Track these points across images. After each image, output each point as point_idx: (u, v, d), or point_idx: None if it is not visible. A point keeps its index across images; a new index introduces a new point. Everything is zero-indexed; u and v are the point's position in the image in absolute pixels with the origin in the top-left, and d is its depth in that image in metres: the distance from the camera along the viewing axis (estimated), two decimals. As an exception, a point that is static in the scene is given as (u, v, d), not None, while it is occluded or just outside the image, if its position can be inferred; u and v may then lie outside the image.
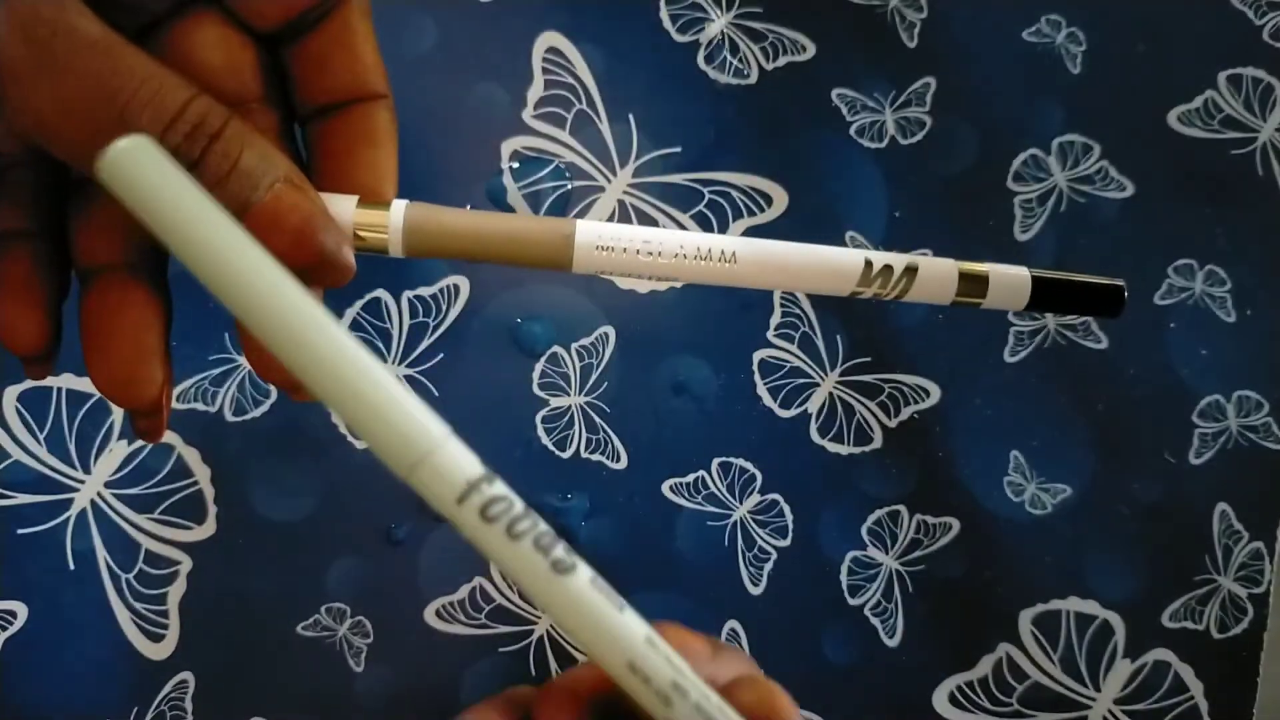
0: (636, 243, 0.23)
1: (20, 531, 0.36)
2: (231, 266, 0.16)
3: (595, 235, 0.22)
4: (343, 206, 0.22)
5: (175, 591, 0.37)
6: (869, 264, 0.23)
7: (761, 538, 0.38)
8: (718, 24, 0.39)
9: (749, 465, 0.38)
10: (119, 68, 0.19)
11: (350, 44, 0.23)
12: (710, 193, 0.38)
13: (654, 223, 0.38)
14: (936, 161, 0.38)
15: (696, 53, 0.38)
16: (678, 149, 0.38)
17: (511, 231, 0.23)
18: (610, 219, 0.38)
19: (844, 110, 0.39)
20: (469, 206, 0.38)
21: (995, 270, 0.24)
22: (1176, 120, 0.38)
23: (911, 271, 0.23)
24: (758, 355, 0.38)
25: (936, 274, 0.23)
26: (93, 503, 0.37)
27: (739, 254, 0.23)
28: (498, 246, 0.23)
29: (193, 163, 0.19)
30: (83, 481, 0.37)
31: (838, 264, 0.23)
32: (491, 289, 0.38)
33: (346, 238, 0.22)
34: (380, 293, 0.38)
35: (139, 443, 0.37)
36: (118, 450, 0.37)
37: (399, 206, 0.22)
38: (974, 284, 0.24)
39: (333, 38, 0.23)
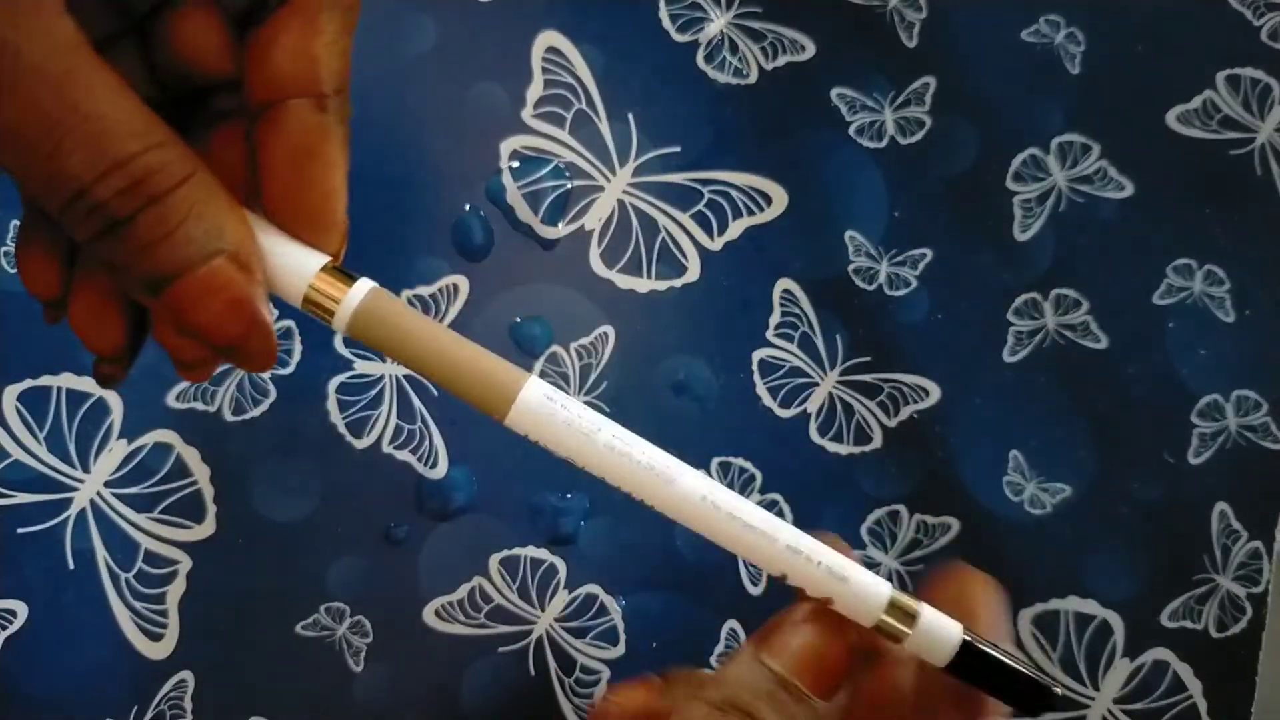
0: (581, 420, 0.23)
1: (20, 531, 0.36)
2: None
3: (541, 397, 0.22)
4: (306, 264, 0.21)
5: (175, 591, 0.37)
6: (792, 551, 0.23)
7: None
8: (717, 24, 0.39)
9: (749, 465, 0.38)
10: (65, 101, 0.17)
11: (303, 34, 0.20)
12: (710, 192, 0.38)
13: (653, 222, 0.38)
14: (936, 161, 0.38)
15: (696, 52, 0.38)
16: (677, 148, 0.38)
17: (457, 363, 0.22)
18: (610, 218, 0.38)
19: (844, 110, 0.39)
20: (467, 207, 0.38)
21: (928, 615, 0.22)
22: (1176, 120, 0.39)
23: (843, 580, 0.23)
24: (757, 355, 0.38)
25: (864, 592, 0.22)
26: (92, 502, 0.37)
27: (676, 484, 0.23)
28: (439, 371, 0.23)
29: (116, 222, 0.18)
30: (82, 481, 0.37)
31: (767, 554, 0.23)
32: (491, 289, 0.38)
33: (269, 328, 0.21)
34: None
35: (138, 442, 0.37)
36: (117, 449, 0.37)
37: (359, 290, 0.22)
38: (902, 617, 0.22)
39: (284, 25, 0.20)
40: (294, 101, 0.20)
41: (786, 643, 0.23)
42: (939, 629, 0.22)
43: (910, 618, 0.22)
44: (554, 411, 0.22)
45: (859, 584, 0.22)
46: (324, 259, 0.22)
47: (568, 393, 0.38)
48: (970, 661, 0.22)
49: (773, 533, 0.24)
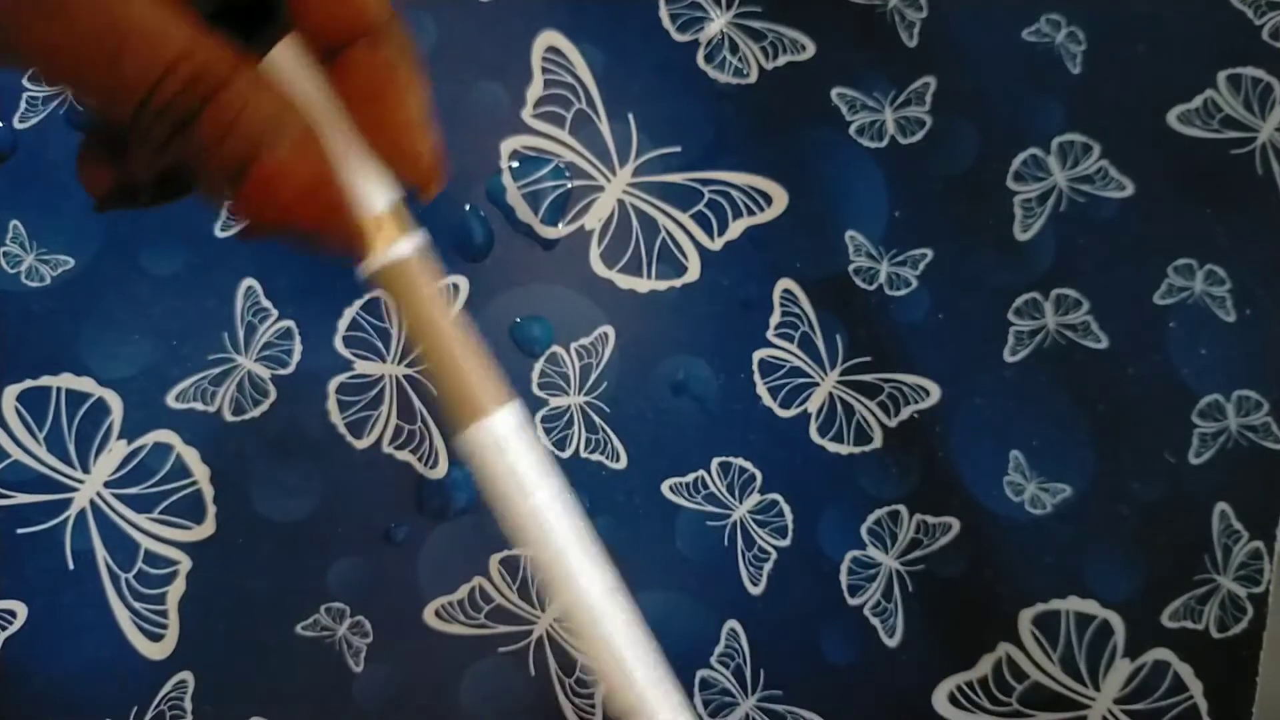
0: (524, 474, 0.22)
1: (20, 531, 0.36)
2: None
3: (503, 432, 0.22)
4: (369, 198, 0.21)
5: (175, 591, 0.37)
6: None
7: (761, 538, 0.38)
8: (717, 23, 0.39)
9: (749, 465, 0.38)
10: (113, 14, 0.18)
11: None
12: (710, 192, 0.38)
13: (653, 222, 0.38)
14: (936, 161, 0.38)
15: (696, 52, 0.38)
16: (677, 148, 0.38)
17: (449, 359, 0.22)
18: (610, 218, 0.38)
19: (844, 110, 0.39)
20: (468, 207, 0.38)
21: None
22: (1176, 120, 0.38)
23: None
24: (758, 355, 0.38)
25: None
26: (92, 502, 0.37)
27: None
28: (431, 357, 0.23)
29: (181, 122, 0.19)
30: (82, 481, 0.37)
31: (616, 688, 0.23)
32: (491, 289, 0.38)
33: (358, 204, 0.21)
34: (380, 292, 0.38)
35: (138, 442, 0.37)
36: (117, 450, 0.37)
37: (400, 247, 0.22)
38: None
39: None
40: (351, 49, 0.21)
41: None
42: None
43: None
44: (504, 451, 0.22)
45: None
46: (389, 198, 0.22)
47: (567, 393, 0.38)
48: None
49: (631, 678, 0.23)
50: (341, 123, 0.21)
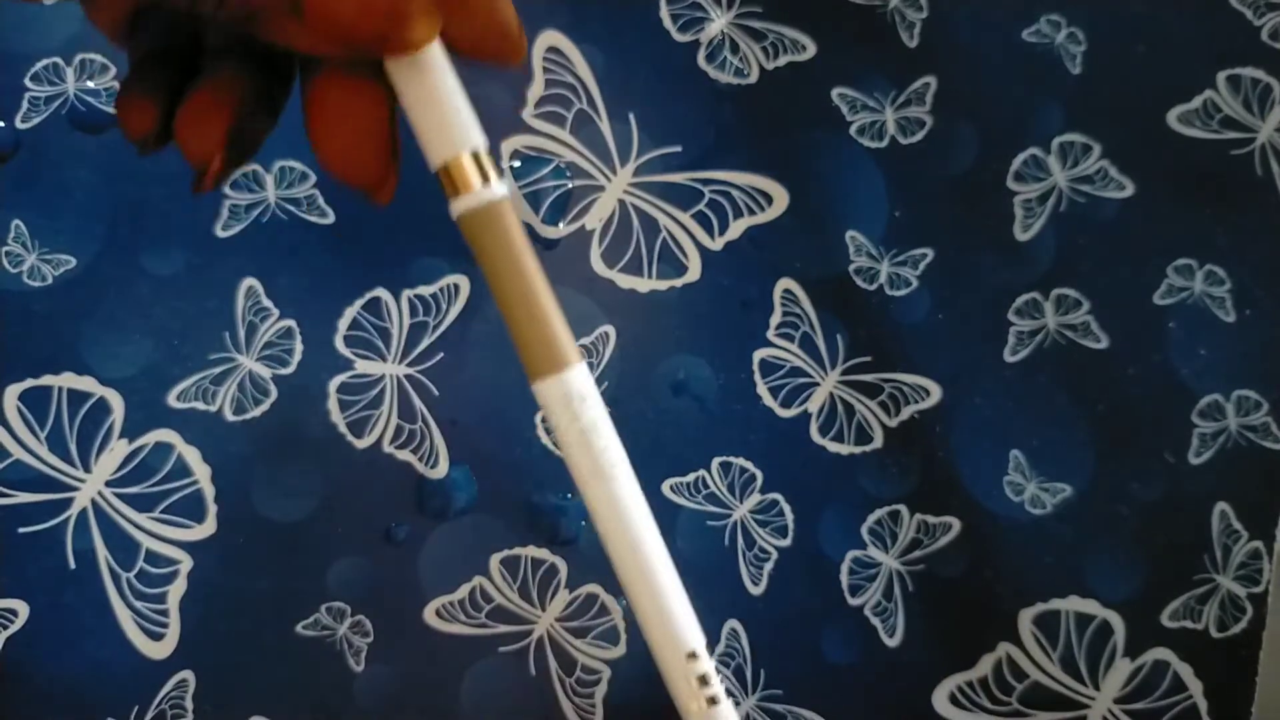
0: (597, 427, 0.23)
1: (21, 530, 0.37)
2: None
3: (584, 385, 0.23)
4: (463, 137, 0.22)
5: (175, 591, 0.37)
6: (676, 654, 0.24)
7: (761, 537, 0.38)
8: (718, 23, 0.39)
9: (749, 465, 0.38)
10: None
11: None
12: (710, 192, 0.38)
13: (654, 222, 0.38)
14: (936, 161, 0.38)
15: (697, 52, 0.38)
16: (678, 148, 0.38)
17: (532, 308, 0.23)
18: (611, 218, 0.38)
19: (844, 110, 0.39)
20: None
21: None
22: (1176, 120, 0.38)
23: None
24: (758, 355, 0.38)
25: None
26: (93, 502, 0.37)
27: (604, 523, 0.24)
28: (511, 304, 0.23)
29: None
30: (83, 480, 0.37)
31: (660, 642, 0.24)
32: (492, 288, 0.38)
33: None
34: (380, 292, 0.38)
35: (139, 442, 0.37)
36: (118, 449, 0.37)
37: (490, 191, 0.22)
38: None
39: None
40: None
41: None
42: None
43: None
44: (585, 402, 0.22)
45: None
46: (481, 141, 0.22)
47: (568, 393, 0.38)
48: None
49: (682, 646, 0.24)
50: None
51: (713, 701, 0.23)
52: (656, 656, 0.24)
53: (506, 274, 0.22)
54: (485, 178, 0.22)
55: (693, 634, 0.24)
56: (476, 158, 0.22)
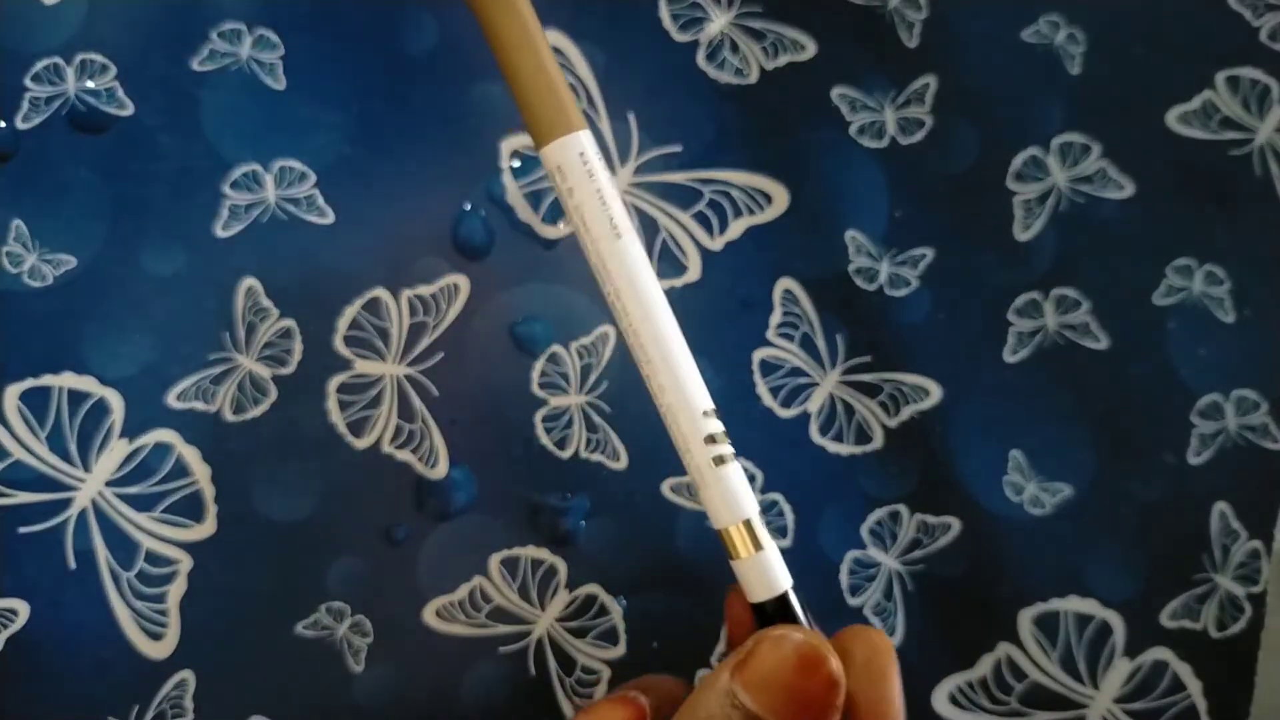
0: (606, 187, 0.23)
1: (21, 530, 0.37)
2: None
3: (587, 149, 0.22)
4: None
5: (175, 590, 0.37)
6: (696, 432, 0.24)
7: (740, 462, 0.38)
8: (718, 23, 0.39)
9: (749, 465, 0.38)
10: None
11: None
12: (710, 192, 0.38)
13: (654, 223, 0.38)
14: (936, 161, 0.39)
15: (697, 52, 0.39)
16: (678, 148, 0.38)
17: (540, 73, 0.22)
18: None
19: (844, 110, 0.39)
20: (468, 207, 0.38)
21: (771, 552, 0.25)
22: (1176, 120, 0.39)
23: (719, 476, 0.24)
24: (758, 355, 0.38)
25: (730, 495, 0.24)
26: (93, 502, 0.37)
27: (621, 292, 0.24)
28: (520, 70, 0.22)
29: None
30: (83, 480, 0.37)
31: (678, 418, 0.24)
32: (491, 289, 0.38)
33: None
34: (380, 292, 0.38)
35: (139, 442, 0.37)
36: (118, 449, 0.37)
37: None
38: (748, 540, 0.24)
39: None
40: None
41: (764, 679, 0.23)
42: (772, 569, 0.23)
43: (755, 545, 0.23)
44: (589, 164, 0.22)
45: (731, 486, 0.23)
46: None
47: (567, 393, 0.38)
48: (777, 613, 0.23)
49: (693, 406, 0.24)
50: None
51: (720, 461, 0.24)
52: (669, 420, 0.24)
53: (514, 38, 0.22)
54: None
55: (703, 395, 0.24)
56: None
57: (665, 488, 0.38)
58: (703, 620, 0.38)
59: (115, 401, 0.37)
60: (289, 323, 0.37)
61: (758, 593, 0.24)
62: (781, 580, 0.24)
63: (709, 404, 0.25)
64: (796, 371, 0.38)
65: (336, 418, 0.37)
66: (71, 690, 0.36)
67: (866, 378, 0.38)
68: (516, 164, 0.38)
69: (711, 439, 0.25)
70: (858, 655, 0.24)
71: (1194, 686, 0.38)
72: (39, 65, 0.37)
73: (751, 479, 0.38)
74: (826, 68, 0.39)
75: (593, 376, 0.38)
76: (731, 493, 0.24)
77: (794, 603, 0.24)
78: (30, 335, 0.37)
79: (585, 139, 0.22)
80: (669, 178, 0.38)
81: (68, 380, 0.37)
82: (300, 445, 0.37)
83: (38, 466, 0.37)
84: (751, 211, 0.38)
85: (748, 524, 0.24)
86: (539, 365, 0.38)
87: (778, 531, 0.38)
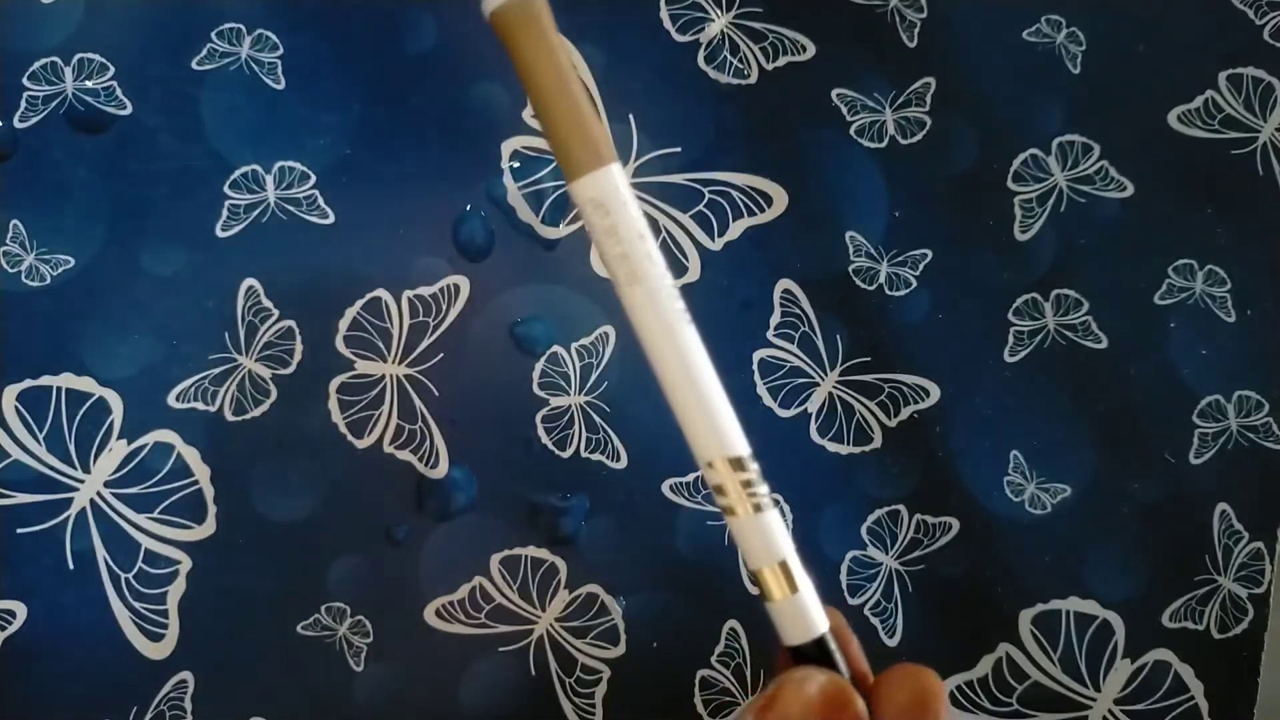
0: (636, 221, 0.22)
1: (20, 531, 0.36)
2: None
3: (623, 182, 0.22)
4: None
5: (175, 591, 0.37)
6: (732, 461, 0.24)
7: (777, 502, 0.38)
8: (718, 24, 0.39)
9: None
10: None
11: None
12: (710, 192, 0.38)
13: (654, 223, 0.38)
14: (936, 161, 0.38)
15: (696, 52, 0.38)
16: (678, 149, 0.38)
17: (570, 106, 0.21)
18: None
19: (844, 110, 0.39)
20: (468, 207, 0.38)
21: (807, 593, 0.24)
22: (1177, 120, 0.38)
23: (758, 511, 0.23)
24: (758, 355, 0.38)
25: (767, 536, 0.23)
26: (92, 502, 0.37)
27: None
28: (550, 102, 0.22)
29: None
30: (82, 481, 0.37)
31: (706, 445, 0.24)
32: (492, 289, 0.38)
33: None
34: (380, 292, 0.38)
35: (139, 442, 0.37)
36: (117, 450, 0.37)
37: None
38: (784, 581, 0.23)
39: None
40: None
41: None
42: (808, 612, 0.23)
43: (791, 586, 0.23)
44: (625, 201, 0.22)
45: (769, 526, 0.23)
46: None
47: (568, 393, 0.38)
48: (814, 657, 0.23)
49: (724, 436, 0.24)
50: None
51: (756, 503, 0.23)
52: (701, 460, 0.23)
53: (544, 72, 0.21)
54: None
55: (739, 439, 0.23)
56: None
57: (665, 488, 0.38)
58: (703, 620, 0.38)
59: (114, 402, 0.37)
60: (289, 323, 0.37)
61: (794, 636, 0.23)
62: (819, 623, 0.23)
63: (746, 447, 0.24)
64: (796, 371, 0.38)
65: (337, 418, 0.37)
66: (71, 690, 0.36)
67: (866, 378, 0.38)
68: (516, 164, 0.38)
69: (748, 482, 0.24)
70: (902, 698, 0.23)
71: (1196, 688, 0.38)
72: (37, 64, 0.37)
73: (751, 479, 0.38)
74: (826, 68, 0.39)
75: (593, 376, 0.38)
76: (767, 531, 0.24)
77: (832, 647, 0.23)
78: (29, 335, 0.37)
79: (617, 172, 0.22)
80: (669, 178, 0.38)
81: (67, 381, 0.37)
82: (301, 445, 0.37)
83: (36, 467, 0.37)
84: (751, 212, 0.38)
85: (784, 565, 0.23)
86: (539, 365, 0.38)
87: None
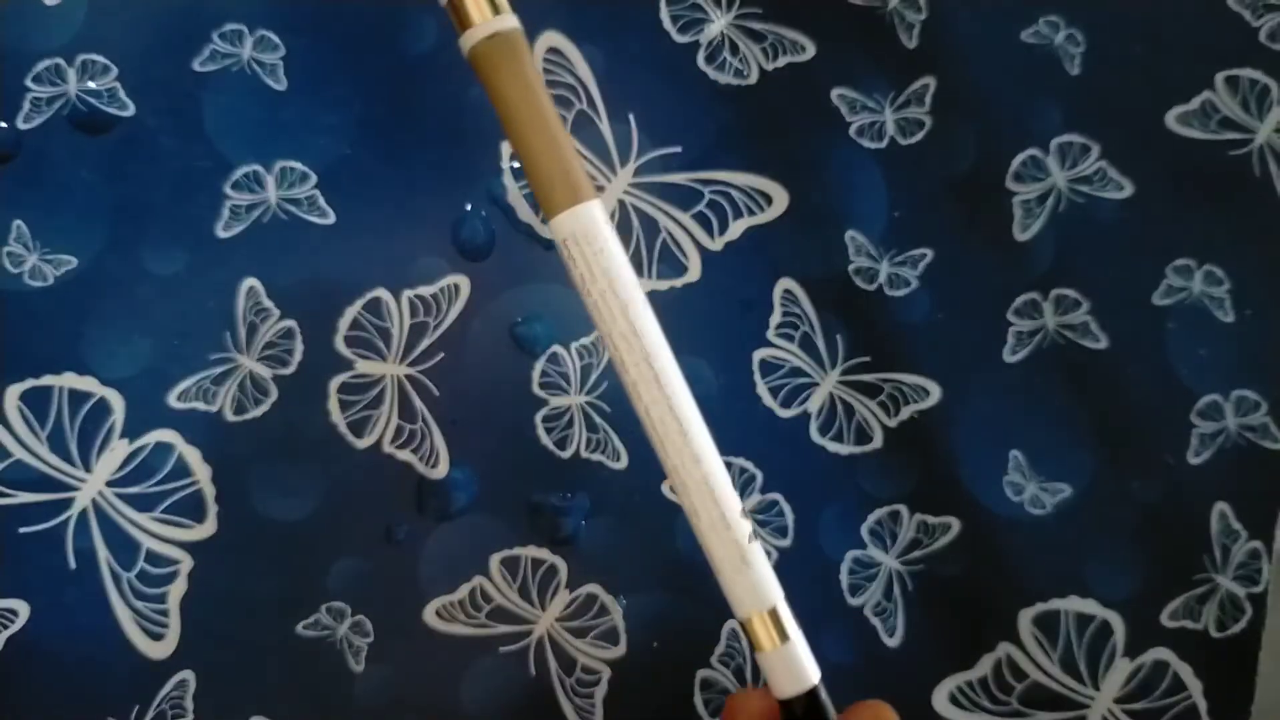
0: (617, 261, 0.22)
1: (22, 530, 0.37)
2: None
3: (600, 219, 0.21)
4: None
5: (176, 591, 0.37)
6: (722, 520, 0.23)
7: (762, 537, 0.38)
8: (718, 24, 0.39)
9: (749, 465, 0.38)
10: None
11: None
12: (710, 193, 0.38)
13: (654, 223, 0.38)
14: (936, 161, 0.39)
15: (697, 53, 0.39)
16: (678, 149, 0.38)
17: (548, 142, 0.21)
18: (611, 218, 0.38)
19: (844, 110, 0.39)
20: (468, 207, 0.38)
21: (798, 643, 0.23)
22: (1175, 121, 0.39)
23: (744, 564, 0.22)
24: (758, 355, 0.38)
25: (757, 584, 0.22)
26: (94, 502, 0.37)
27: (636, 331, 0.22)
28: (527, 139, 0.21)
29: None
30: (84, 480, 0.37)
31: (700, 501, 0.22)
32: (492, 289, 0.38)
33: None
34: (380, 292, 0.38)
35: (140, 442, 0.37)
36: (119, 449, 0.37)
37: (501, 21, 0.21)
38: (774, 631, 0.22)
39: None
40: None
41: None
42: (800, 661, 0.22)
43: (781, 635, 0.22)
44: (606, 237, 0.21)
45: (759, 576, 0.22)
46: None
47: (568, 393, 0.38)
48: (806, 711, 0.22)
49: (719, 496, 0.23)
50: None
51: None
52: (685, 501, 0.22)
53: (523, 108, 0.21)
54: (496, 7, 0.20)
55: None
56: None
57: (665, 488, 0.38)
58: (703, 620, 0.38)
59: (116, 402, 0.37)
60: (290, 323, 0.38)
61: (785, 688, 0.22)
62: (810, 673, 0.22)
63: (735, 502, 0.24)
64: (796, 371, 0.38)
65: (337, 418, 0.37)
66: (71, 690, 0.36)
67: (866, 378, 0.38)
68: (517, 164, 0.38)
69: (737, 524, 0.23)
70: None
71: (1195, 687, 0.38)
72: (40, 66, 0.37)
73: (751, 479, 0.38)
74: (826, 68, 0.39)
75: (593, 376, 0.38)
76: (757, 577, 0.23)
77: (824, 699, 0.23)
78: (31, 335, 0.37)
79: (597, 208, 0.21)
80: (669, 178, 0.38)
81: (68, 380, 0.37)
82: (301, 445, 0.37)
83: (38, 466, 0.37)
84: (751, 212, 0.38)
85: (773, 613, 0.22)
86: (539, 365, 0.38)
87: (778, 531, 0.38)
